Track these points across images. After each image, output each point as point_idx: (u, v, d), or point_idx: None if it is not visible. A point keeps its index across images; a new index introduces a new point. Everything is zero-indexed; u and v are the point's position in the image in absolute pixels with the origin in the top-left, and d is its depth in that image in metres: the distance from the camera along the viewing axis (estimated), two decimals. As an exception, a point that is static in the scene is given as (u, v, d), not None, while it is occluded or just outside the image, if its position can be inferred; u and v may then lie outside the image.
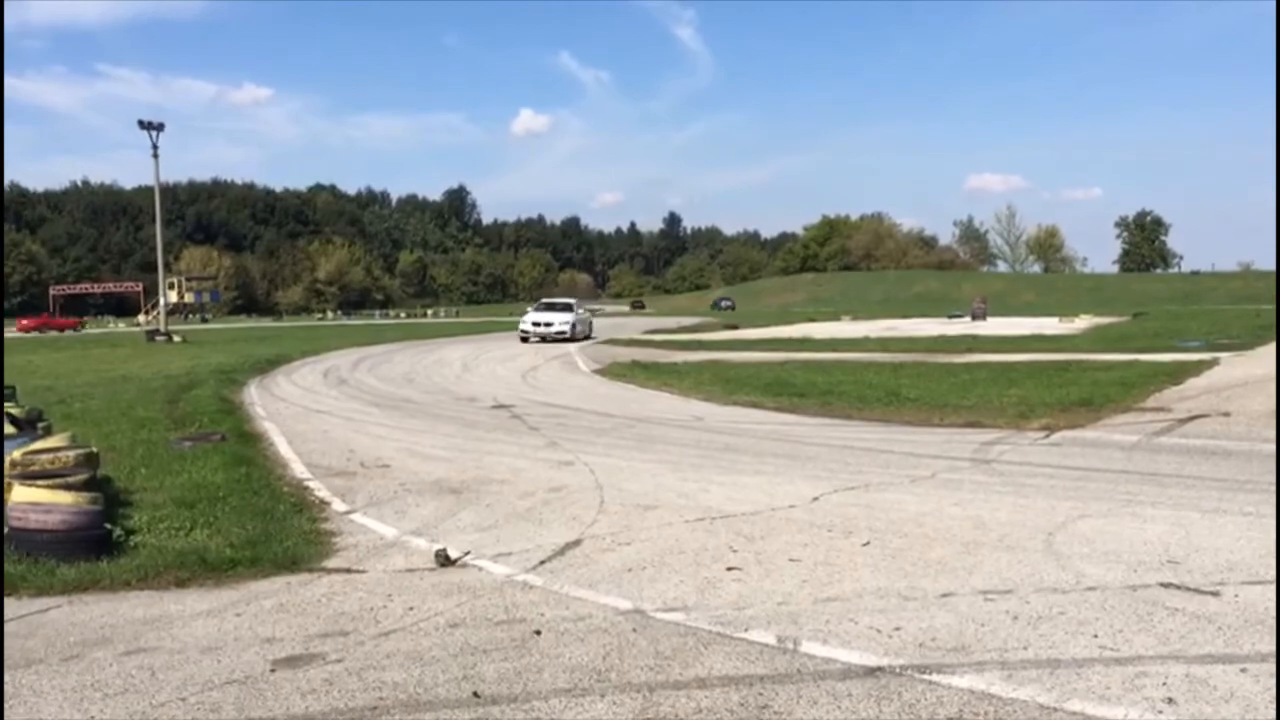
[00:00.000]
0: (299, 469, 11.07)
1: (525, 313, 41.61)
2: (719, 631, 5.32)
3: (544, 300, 46.36)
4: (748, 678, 4.65)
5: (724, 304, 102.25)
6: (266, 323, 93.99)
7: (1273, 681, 4.40)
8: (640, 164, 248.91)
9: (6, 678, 4.85)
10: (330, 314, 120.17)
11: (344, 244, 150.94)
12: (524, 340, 36.91)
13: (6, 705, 4.52)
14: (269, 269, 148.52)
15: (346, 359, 31.36)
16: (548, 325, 37.57)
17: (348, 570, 6.86)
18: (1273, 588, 5.77)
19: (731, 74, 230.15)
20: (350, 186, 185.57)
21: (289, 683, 4.76)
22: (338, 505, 9.05)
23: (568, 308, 40.38)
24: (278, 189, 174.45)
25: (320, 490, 9.75)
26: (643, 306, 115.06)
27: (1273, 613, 5.33)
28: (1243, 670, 4.54)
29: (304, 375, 25.35)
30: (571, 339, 36.97)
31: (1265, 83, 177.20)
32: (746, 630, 5.32)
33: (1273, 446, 10.96)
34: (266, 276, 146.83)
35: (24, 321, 77.93)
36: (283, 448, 12.70)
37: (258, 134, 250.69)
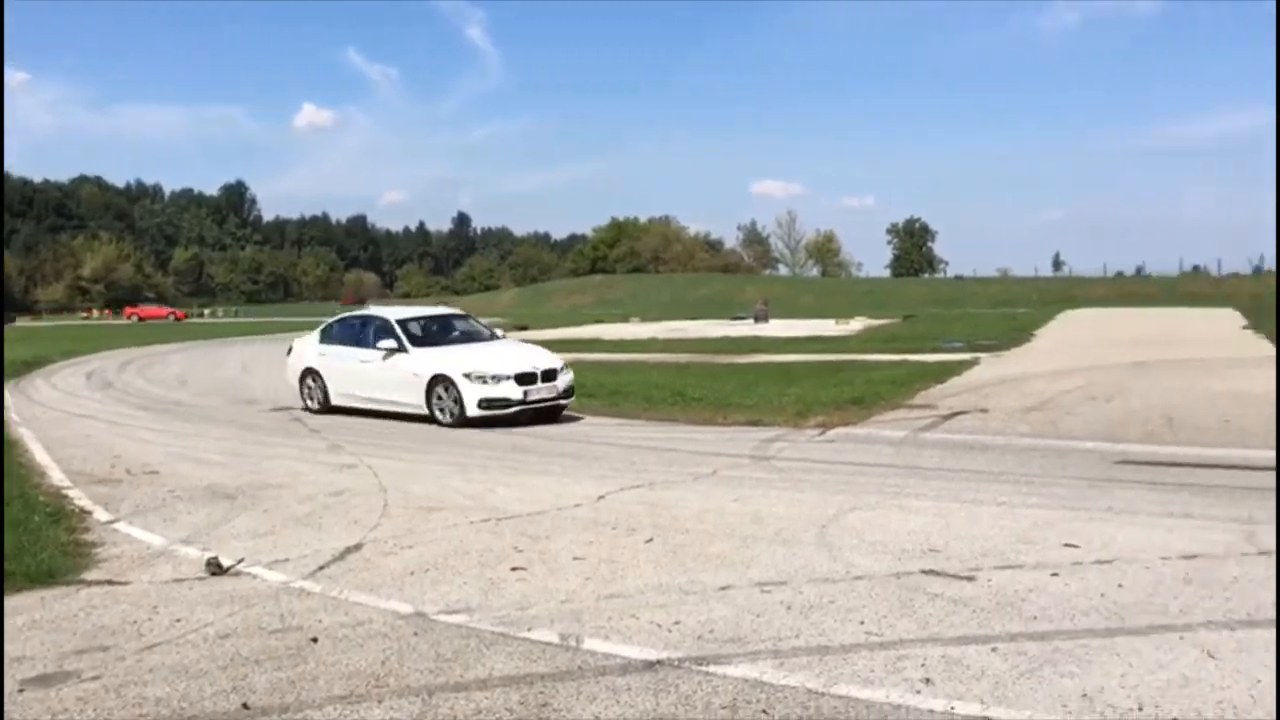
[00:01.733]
0: (57, 476, 10.41)
1: (392, 329, 15.51)
2: (502, 632, 5.30)
3: (410, 317, 16.44)
4: (529, 677, 4.65)
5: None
6: (24, 322, 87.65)
7: (1021, 660, 4.72)
8: (429, 163, 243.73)
9: None
10: (97, 313, 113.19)
11: (111, 239, 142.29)
12: (457, 424, 14.03)
13: None
14: (27, 265, 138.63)
15: (113, 360, 29.66)
16: (525, 384, 14.21)
17: (109, 582, 6.49)
18: (1023, 572, 6.19)
19: (522, 76, 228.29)
20: (118, 179, 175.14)
21: (39, 703, 4.46)
22: (100, 514, 8.56)
23: (466, 331, 16.61)
24: (36, 179, 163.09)
25: (80, 499, 9.20)
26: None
27: (1022, 595, 5.71)
28: (993, 650, 4.85)
29: (65, 378, 23.85)
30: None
31: (1024, 102, 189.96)
32: (529, 630, 5.31)
33: (1027, 440, 11.77)
34: (24, 273, 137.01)
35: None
36: (39, 454, 11.91)
37: (13, 121, 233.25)
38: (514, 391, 14.05)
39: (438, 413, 14.24)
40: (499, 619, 5.52)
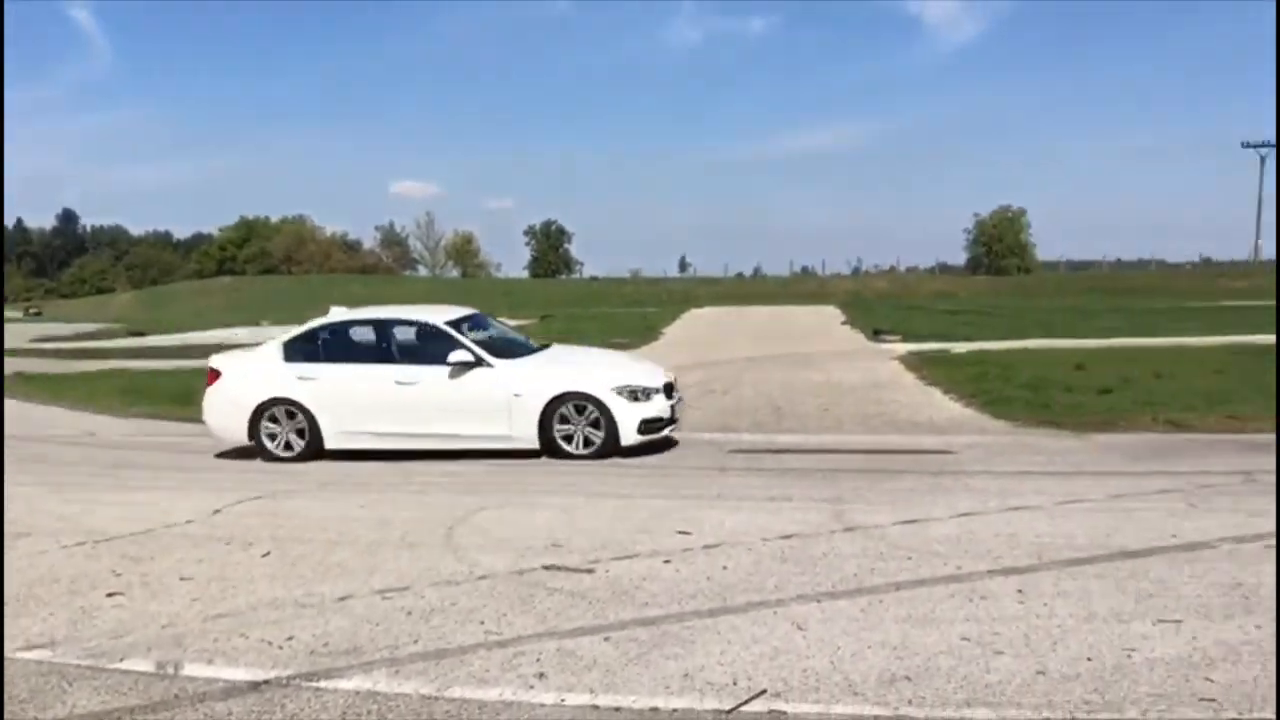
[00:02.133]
0: None
1: (454, 339, 11.54)
2: (90, 665, 4.84)
3: (390, 315, 12.30)
4: (116, 712, 4.27)
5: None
6: None
7: (631, 646, 4.88)
8: (27, 154, 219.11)
9: None
10: None
11: None
12: (599, 455, 11.00)
13: None
14: None
15: None
16: (669, 397, 11.68)
17: None
18: (639, 561, 6.42)
19: (135, 62, 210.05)
20: None
21: None
22: None
23: (504, 336, 13.18)
24: None
25: None
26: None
27: (636, 583, 5.92)
28: (606, 639, 4.99)
29: None
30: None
31: (654, 111, 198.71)
32: (122, 660, 4.89)
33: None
34: None
35: None
36: None
37: None
38: (665, 409, 11.44)
39: (562, 443, 11.04)
40: (88, 651, 5.04)
